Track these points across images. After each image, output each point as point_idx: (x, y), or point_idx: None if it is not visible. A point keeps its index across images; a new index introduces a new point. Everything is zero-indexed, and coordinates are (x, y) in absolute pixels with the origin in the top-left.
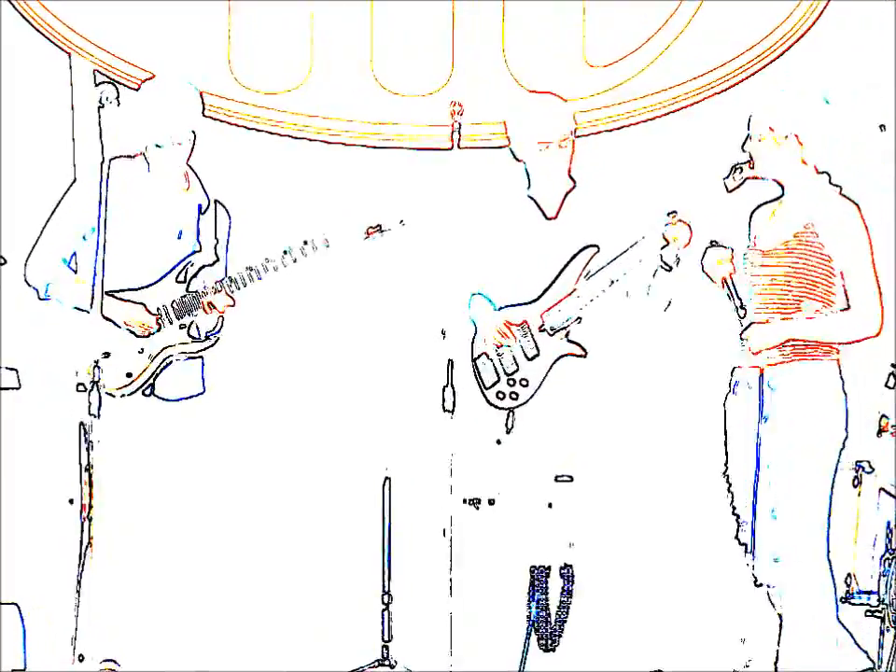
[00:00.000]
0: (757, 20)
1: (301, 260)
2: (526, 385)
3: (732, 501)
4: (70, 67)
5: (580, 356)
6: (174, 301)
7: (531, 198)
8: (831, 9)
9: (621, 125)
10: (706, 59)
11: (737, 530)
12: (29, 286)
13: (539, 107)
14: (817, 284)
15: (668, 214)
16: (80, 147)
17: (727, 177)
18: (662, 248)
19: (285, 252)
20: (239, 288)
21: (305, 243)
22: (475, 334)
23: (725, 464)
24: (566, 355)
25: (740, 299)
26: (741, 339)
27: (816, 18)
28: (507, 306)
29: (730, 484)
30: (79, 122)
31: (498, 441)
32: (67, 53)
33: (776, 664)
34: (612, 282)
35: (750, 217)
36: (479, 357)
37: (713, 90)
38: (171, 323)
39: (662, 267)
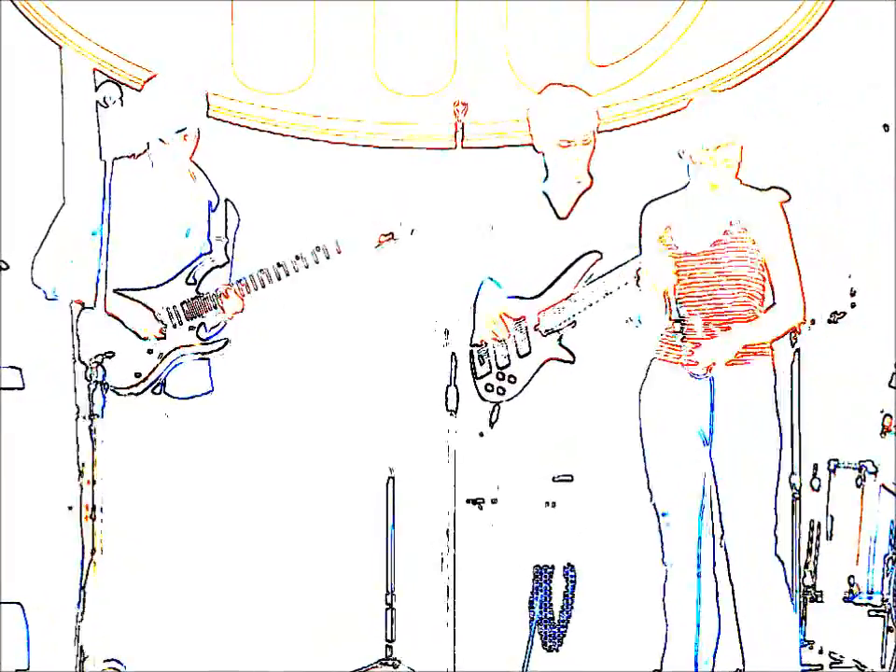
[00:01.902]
0: (761, 19)
1: (312, 266)
2: (514, 382)
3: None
4: (61, 62)
5: (567, 361)
6: (183, 301)
7: (545, 193)
8: (834, 10)
9: (624, 124)
10: (709, 58)
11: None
12: (36, 286)
13: (563, 104)
14: (749, 281)
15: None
16: (80, 145)
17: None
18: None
19: (297, 257)
20: (250, 292)
21: (318, 248)
22: (474, 322)
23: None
24: (554, 359)
25: (678, 311)
26: (690, 362)
27: (819, 18)
28: (509, 297)
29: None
30: (79, 121)
31: (481, 434)
32: (59, 46)
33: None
34: (607, 293)
35: (642, 212)
36: (476, 345)
37: (717, 89)
38: (181, 324)
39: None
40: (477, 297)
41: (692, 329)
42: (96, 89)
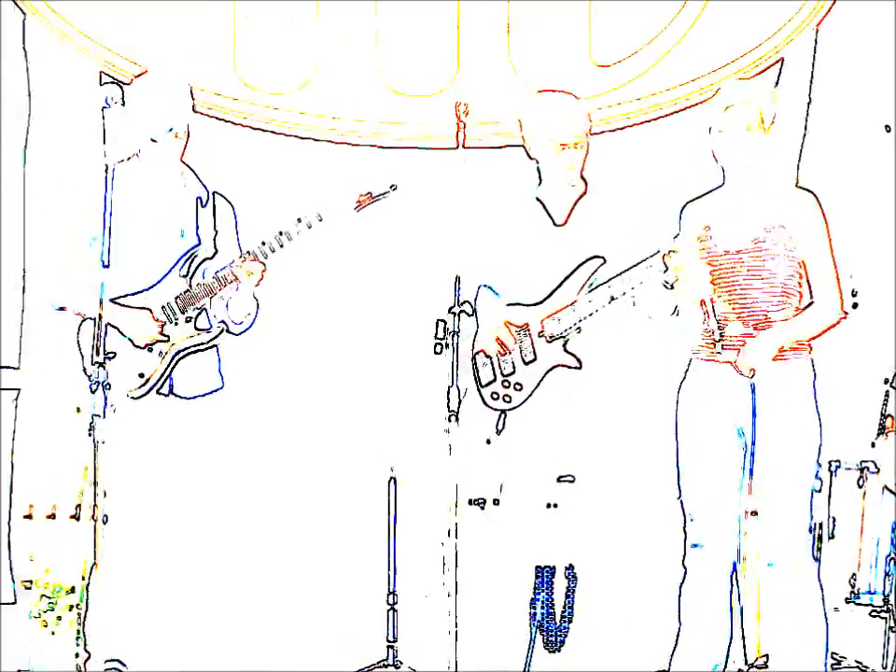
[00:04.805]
0: (762, 20)
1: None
2: (520, 390)
3: (680, 496)
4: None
5: (574, 367)
6: (177, 295)
7: (539, 200)
8: (834, 10)
9: (626, 125)
10: (712, 58)
11: (684, 524)
12: (40, 300)
13: (555, 107)
14: (787, 279)
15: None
16: (80, 151)
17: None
18: (664, 273)
19: (299, 220)
20: (266, 256)
21: (298, 220)
22: (477, 329)
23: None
24: (560, 365)
25: (718, 321)
26: (737, 363)
27: (821, 19)
28: (512, 304)
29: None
30: (80, 123)
31: (488, 441)
32: (23, 13)
33: (766, 662)
34: (612, 298)
35: (681, 212)
36: (478, 352)
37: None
38: (177, 318)
39: (664, 286)
40: (475, 305)
41: (731, 338)
42: (101, 83)
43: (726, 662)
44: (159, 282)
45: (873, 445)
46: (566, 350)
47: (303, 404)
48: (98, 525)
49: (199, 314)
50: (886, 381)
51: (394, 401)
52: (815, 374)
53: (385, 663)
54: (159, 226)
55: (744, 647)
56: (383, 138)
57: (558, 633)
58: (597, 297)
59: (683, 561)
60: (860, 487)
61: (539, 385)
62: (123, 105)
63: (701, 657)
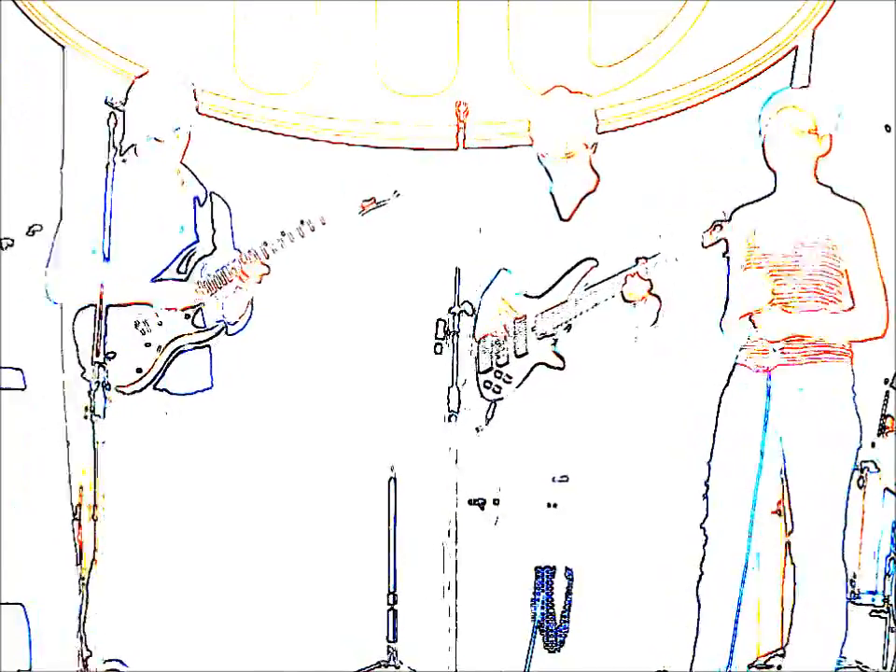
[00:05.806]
0: (763, 20)
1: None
2: (509, 382)
3: (706, 493)
4: (63, 63)
5: (557, 368)
6: None
7: (552, 194)
8: (834, 10)
9: (627, 125)
10: (712, 58)
11: (703, 519)
12: (52, 301)
13: (565, 110)
14: (830, 287)
15: (637, 260)
16: (80, 149)
17: (705, 231)
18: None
19: (302, 222)
20: (268, 256)
21: (301, 222)
22: (476, 312)
23: (709, 463)
24: (544, 363)
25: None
26: (752, 325)
27: (821, 19)
28: (517, 293)
29: (707, 487)
30: (79, 124)
31: (477, 429)
32: (62, 46)
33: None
34: (596, 304)
35: (731, 216)
36: (483, 337)
37: (720, 89)
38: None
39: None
40: (488, 288)
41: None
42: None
43: (729, 661)
44: (154, 279)
45: (873, 445)
46: (554, 350)
47: (304, 404)
48: (98, 524)
49: (197, 311)
50: (886, 381)
51: (394, 401)
52: (854, 378)
53: (385, 662)
54: (157, 224)
55: (733, 647)
56: (382, 138)
57: (558, 633)
58: (582, 300)
59: (701, 564)
60: (860, 487)
61: (524, 379)
62: (123, 104)
63: (718, 657)
